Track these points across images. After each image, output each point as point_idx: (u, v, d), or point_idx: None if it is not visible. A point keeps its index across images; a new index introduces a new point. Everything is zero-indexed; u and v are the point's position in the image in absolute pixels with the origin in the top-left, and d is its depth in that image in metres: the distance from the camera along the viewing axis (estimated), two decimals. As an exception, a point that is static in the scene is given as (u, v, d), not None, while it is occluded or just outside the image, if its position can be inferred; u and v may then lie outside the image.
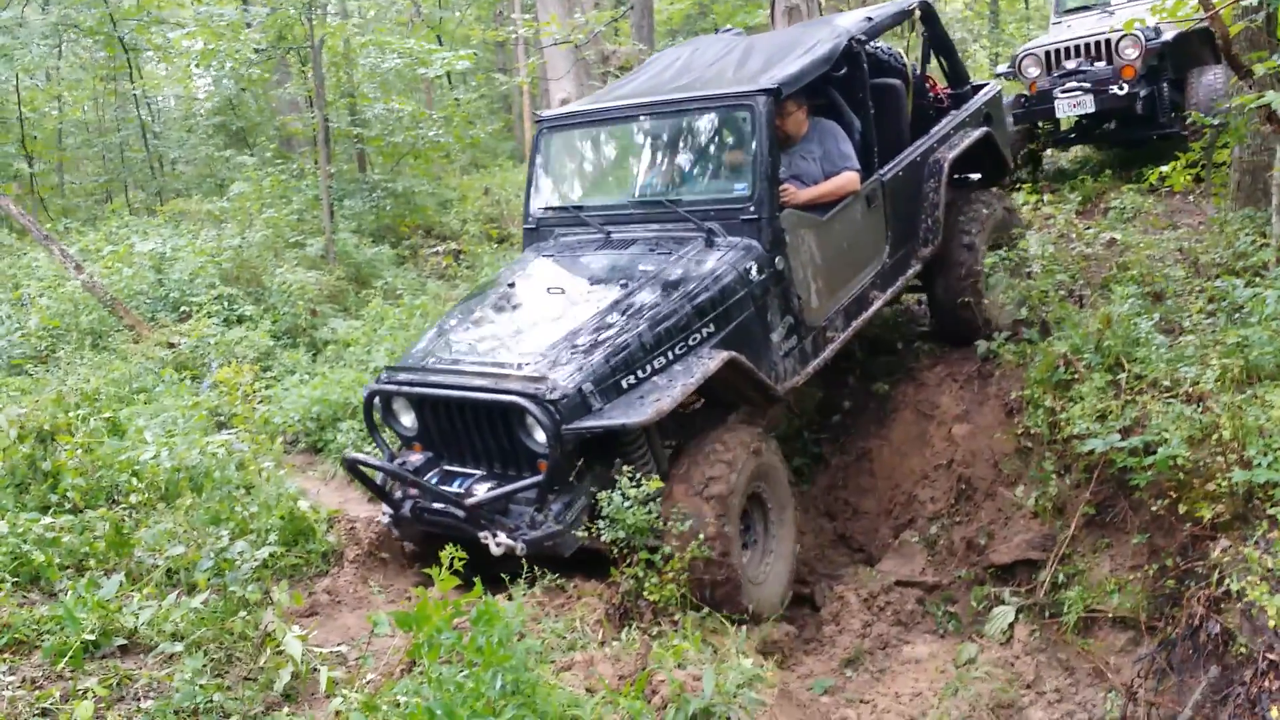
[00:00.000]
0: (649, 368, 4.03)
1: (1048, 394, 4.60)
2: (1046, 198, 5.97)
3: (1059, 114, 8.16)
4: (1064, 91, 7.97)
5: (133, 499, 4.37)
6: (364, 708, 2.80)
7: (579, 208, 5.12)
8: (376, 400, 4.39)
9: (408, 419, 4.36)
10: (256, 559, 3.80)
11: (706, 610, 3.89)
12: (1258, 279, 4.78)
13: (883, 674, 4.23)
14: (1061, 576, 4.27)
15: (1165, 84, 8.05)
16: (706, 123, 4.89)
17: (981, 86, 6.30)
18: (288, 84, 13.84)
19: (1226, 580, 3.37)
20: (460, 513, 3.95)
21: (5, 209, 9.14)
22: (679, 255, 4.45)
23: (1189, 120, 6.62)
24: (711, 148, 4.91)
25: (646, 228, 4.78)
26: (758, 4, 13.83)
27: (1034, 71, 8.30)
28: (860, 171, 5.00)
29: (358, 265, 9.96)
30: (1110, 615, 4.00)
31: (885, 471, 5.49)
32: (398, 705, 2.77)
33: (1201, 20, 5.13)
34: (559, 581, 3.85)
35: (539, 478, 3.89)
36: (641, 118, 5.01)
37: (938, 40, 6.07)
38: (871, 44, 5.56)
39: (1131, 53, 7.83)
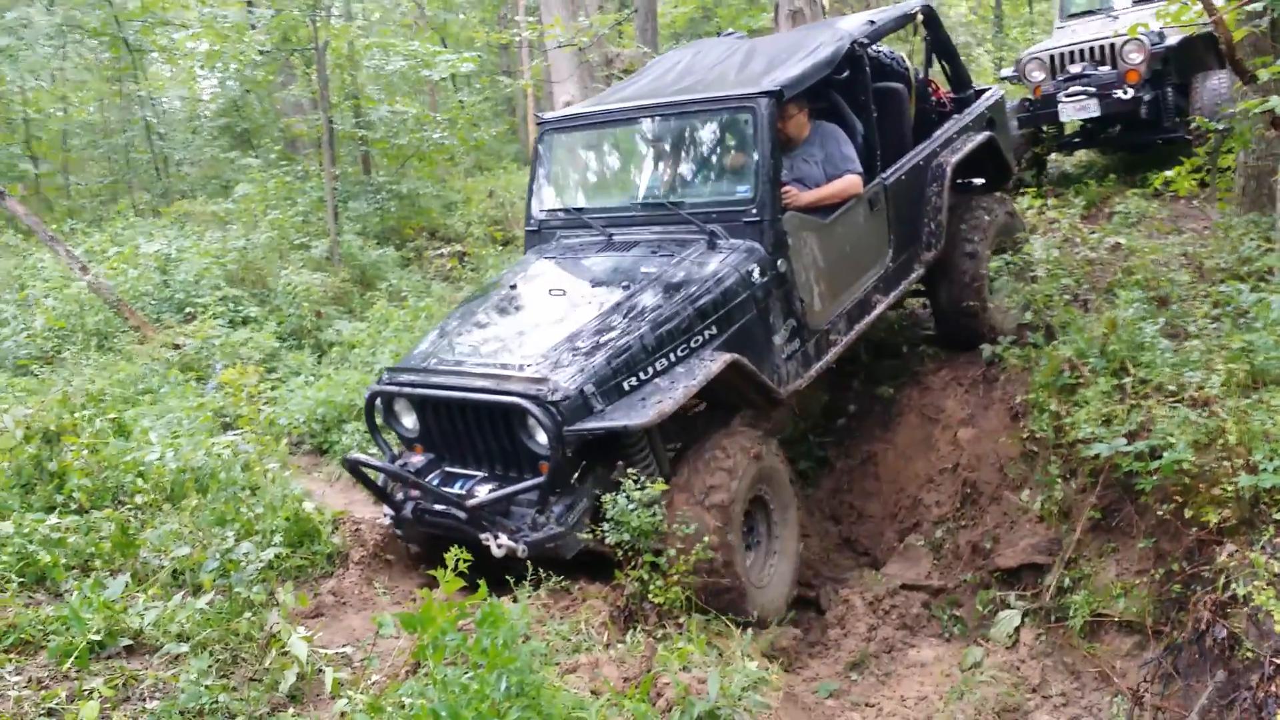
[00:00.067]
0: (651, 370, 4.02)
1: (1053, 398, 4.59)
2: (1051, 202, 5.95)
3: (1063, 118, 8.16)
4: (1068, 96, 7.97)
5: (138, 500, 4.37)
6: (369, 709, 2.80)
7: (581, 210, 5.12)
8: (378, 401, 4.38)
9: (409, 420, 4.35)
10: (262, 560, 3.81)
11: (711, 613, 3.89)
12: (1263, 284, 4.77)
13: (888, 678, 4.23)
14: (1067, 581, 4.26)
15: (1170, 88, 8.05)
16: (709, 125, 4.89)
17: (984, 91, 6.30)
18: (292, 86, 13.86)
19: (1232, 585, 3.37)
20: (461, 514, 3.94)
21: (11, 210, 9.17)
22: (681, 257, 4.45)
23: (1193, 125, 6.62)
24: (714, 150, 4.91)
25: (648, 230, 4.77)
26: (761, 7, 13.84)
27: (1038, 75, 8.31)
28: (862, 174, 4.99)
29: (362, 267, 9.97)
30: (1116, 619, 3.99)
31: (890, 475, 5.49)
32: (402, 707, 2.77)
33: (1206, 25, 5.13)
34: (564, 584, 3.84)
35: (540, 479, 3.88)
36: (643, 120, 5.01)
37: (940, 44, 6.07)
38: (874, 47, 5.57)
39: (1136, 57, 7.82)
